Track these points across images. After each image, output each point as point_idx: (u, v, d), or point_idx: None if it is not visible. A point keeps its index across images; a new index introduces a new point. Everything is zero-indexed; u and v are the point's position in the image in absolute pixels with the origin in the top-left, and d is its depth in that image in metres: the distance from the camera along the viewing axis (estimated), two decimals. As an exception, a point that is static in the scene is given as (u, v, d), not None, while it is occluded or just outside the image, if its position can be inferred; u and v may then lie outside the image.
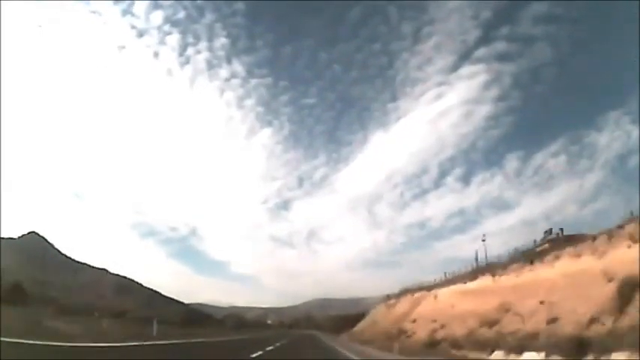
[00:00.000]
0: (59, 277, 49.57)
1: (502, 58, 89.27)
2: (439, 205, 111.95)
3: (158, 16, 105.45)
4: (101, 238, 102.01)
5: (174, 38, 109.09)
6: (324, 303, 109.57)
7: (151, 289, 57.16)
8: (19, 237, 57.36)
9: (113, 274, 59.78)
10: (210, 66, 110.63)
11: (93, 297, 40.31)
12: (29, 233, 59.21)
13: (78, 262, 60.16)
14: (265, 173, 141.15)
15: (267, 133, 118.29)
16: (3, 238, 49.42)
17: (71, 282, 50.34)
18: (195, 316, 44.25)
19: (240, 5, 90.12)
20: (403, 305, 28.59)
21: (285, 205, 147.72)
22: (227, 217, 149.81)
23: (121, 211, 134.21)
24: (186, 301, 64.87)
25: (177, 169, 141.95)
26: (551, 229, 18.64)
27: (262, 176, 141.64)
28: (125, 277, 57.51)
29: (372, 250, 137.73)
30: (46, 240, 60.69)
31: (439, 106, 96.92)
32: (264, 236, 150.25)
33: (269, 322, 75.48)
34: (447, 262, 78.96)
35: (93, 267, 59.52)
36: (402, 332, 20.45)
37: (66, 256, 60.82)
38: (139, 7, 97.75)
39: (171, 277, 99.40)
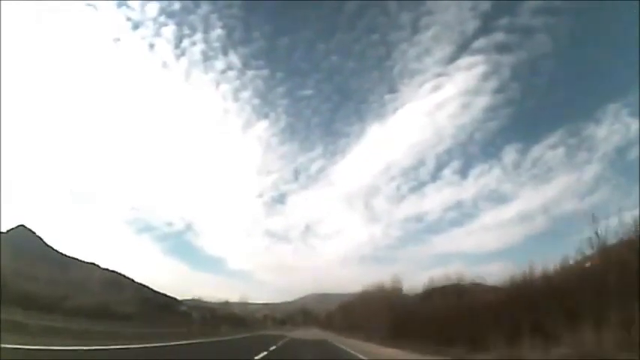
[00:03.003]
0: (46, 271, 48.55)
1: (501, 49, 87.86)
2: (436, 198, 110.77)
3: (154, 8, 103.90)
4: (95, 234, 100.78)
5: (169, 30, 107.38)
6: (321, 298, 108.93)
7: (141, 284, 56.26)
8: (7, 231, 56.22)
9: (103, 268, 58.87)
10: (206, 57, 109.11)
11: (79, 291, 39.29)
12: (18, 227, 58.11)
13: (68, 256, 59.23)
14: (261, 166, 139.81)
15: (263, 125, 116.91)
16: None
17: (59, 276, 49.36)
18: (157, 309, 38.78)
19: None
20: None
21: (281, 198, 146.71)
22: (223, 211, 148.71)
23: (115, 206, 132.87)
24: (179, 297, 63.86)
25: (173, 162, 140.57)
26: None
27: (258, 169, 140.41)
28: (115, 272, 56.58)
29: (368, 244, 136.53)
30: (35, 234, 59.74)
31: (437, 98, 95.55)
32: (260, 231, 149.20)
33: (257, 317, 73.18)
34: (444, 256, 77.85)
35: (83, 262, 58.51)
36: None
37: (56, 250, 59.84)
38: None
39: (166, 272, 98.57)
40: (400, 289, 32.25)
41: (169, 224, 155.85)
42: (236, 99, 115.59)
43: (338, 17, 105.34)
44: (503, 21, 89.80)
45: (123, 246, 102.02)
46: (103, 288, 50.39)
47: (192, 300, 53.28)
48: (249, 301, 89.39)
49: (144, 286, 57.03)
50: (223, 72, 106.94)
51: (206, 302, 54.53)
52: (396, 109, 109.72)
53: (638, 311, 10.38)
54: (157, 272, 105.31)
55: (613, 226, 14.01)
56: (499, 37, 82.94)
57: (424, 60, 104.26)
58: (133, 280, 58.96)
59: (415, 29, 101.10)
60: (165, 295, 56.48)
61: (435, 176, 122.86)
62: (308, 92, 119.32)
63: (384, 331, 24.48)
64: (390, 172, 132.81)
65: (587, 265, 16.57)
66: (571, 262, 16.67)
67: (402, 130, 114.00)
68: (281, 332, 38.78)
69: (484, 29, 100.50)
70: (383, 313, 27.47)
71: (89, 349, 8.99)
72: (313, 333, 41.68)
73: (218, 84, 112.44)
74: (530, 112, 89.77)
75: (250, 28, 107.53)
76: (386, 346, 19.91)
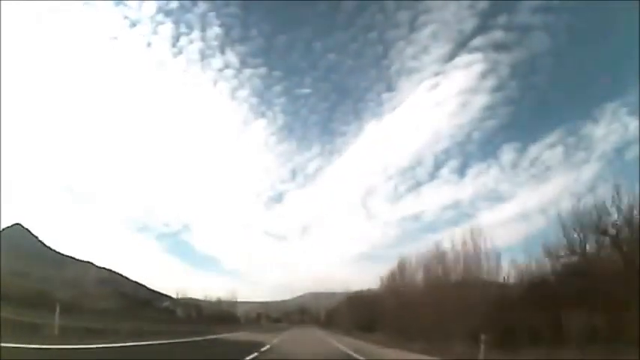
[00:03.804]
0: (40, 269, 48.99)
1: (499, 47, 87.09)
2: (434, 198, 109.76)
3: (151, 6, 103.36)
4: (91, 233, 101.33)
5: (166, 28, 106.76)
6: (318, 296, 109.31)
7: (136, 282, 56.68)
8: (2, 229, 56.72)
9: (99, 267, 59.28)
10: (204, 56, 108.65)
11: (72, 290, 39.47)
12: (13, 225, 58.63)
13: (63, 255, 59.76)
14: (258, 166, 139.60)
15: (260, 124, 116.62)
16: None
17: (53, 274, 49.77)
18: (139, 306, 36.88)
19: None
20: None
21: (278, 197, 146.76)
22: (220, 210, 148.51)
23: (112, 205, 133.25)
24: (175, 296, 63.95)
25: (170, 162, 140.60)
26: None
27: (255, 169, 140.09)
28: (110, 270, 57.00)
29: (365, 244, 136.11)
30: (30, 232, 60.38)
31: (435, 97, 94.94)
32: (258, 230, 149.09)
33: (251, 315, 73.30)
34: (441, 256, 77.46)
35: (78, 260, 58.96)
36: None
37: (51, 249, 60.42)
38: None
39: (162, 271, 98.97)
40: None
41: (166, 224, 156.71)
42: (233, 98, 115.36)
43: (335, 15, 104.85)
44: (502, 19, 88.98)
45: (119, 245, 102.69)
46: (84, 284, 50.63)
47: (182, 298, 52.13)
48: (246, 300, 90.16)
49: (138, 283, 57.41)
50: (221, 70, 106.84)
51: (199, 300, 54.40)
52: (393, 108, 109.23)
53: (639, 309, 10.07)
54: (153, 271, 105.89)
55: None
56: (497, 35, 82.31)
57: (422, 58, 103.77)
58: (127, 279, 59.47)
59: (413, 27, 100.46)
60: (152, 291, 56.40)
61: (432, 175, 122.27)
62: (305, 91, 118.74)
63: (490, 336, 11.73)
64: (388, 171, 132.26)
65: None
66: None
67: (400, 129, 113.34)
68: (266, 335, 25.94)
69: (482, 27, 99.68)
70: (470, 300, 16.00)
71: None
72: (315, 336, 29.05)
73: (215, 83, 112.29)
74: (528, 111, 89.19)
75: (248, 27, 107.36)
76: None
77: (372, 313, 29.23)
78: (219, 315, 47.77)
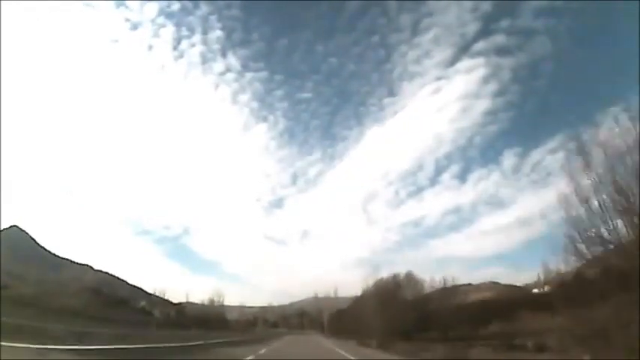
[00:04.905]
0: (37, 271, 48.61)
1: (501, 51, 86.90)
2: (435, 203, 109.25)
3: (152, 8, 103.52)
4: (92, 236, 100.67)
5: (168, 31, 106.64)
6: (318, 301, 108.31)
7: (134, 286, 56.10)
8: (0, 231, 56.39)
9: (96, 270, 58.86)
10: (205, 60, 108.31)
11: (66, 292, 39.09)
12: (10, 227, 58.25)
13: (61, 257, 59.39)
14: (259, 170, 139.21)
15: (261, 128, 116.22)
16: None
17: (49, 277, 49.39)
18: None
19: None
20: None
21: (278, 202, 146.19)
22: (220, 215, 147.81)
23: (112, 209, 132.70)
24: (175, 301, 62.91)
25: (171, 166, 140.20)
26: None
27: (256, 173, 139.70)
28: (108, 274, 56.50)
29: (366, 249, 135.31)
30: (28, 234, 60.00)
31: (436, 101, 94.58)
32: (258, 234, 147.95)
33: (248, 319, 72.07)
34: (441, 261, 76.94)
35: (76, 263, 58.55)
36: None
37: (48, 251, 60.02)
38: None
39: (163, 276, 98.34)
40: None
41: (167, 227, 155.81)
42: (235, 102, 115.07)
43: (337, 18, 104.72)
44: (504, 23, 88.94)
45: (118, 248, 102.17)
46: (95, 288, 50.12)
47: (190, 303, 49.75)
48: (245, 304, 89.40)
49: (136, 287, 56.77)
50: (222, 74, 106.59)
51: (187, 302, 53.24)
52: (395, 113, 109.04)
53: (639, 313, 10.15)
54: (152, 275, 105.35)
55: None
56: (499, 39, 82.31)
57: (424, 63, 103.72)
58: (126, 282, 58.94)
59: (415, 31, 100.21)
60: (135, 288, 55.61)
61: (433, 180, 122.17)
62: (307, 95, 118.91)
63: None
64: (389, 176, 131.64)
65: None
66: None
67: (401, 133, 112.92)
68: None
69: (484, 31, 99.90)
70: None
71: None
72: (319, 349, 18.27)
73: (217, 86, 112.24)
74: (530, 116, 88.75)
75: (249, 30, 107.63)
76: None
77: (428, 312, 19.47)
78: (204, 318, 44.08)
